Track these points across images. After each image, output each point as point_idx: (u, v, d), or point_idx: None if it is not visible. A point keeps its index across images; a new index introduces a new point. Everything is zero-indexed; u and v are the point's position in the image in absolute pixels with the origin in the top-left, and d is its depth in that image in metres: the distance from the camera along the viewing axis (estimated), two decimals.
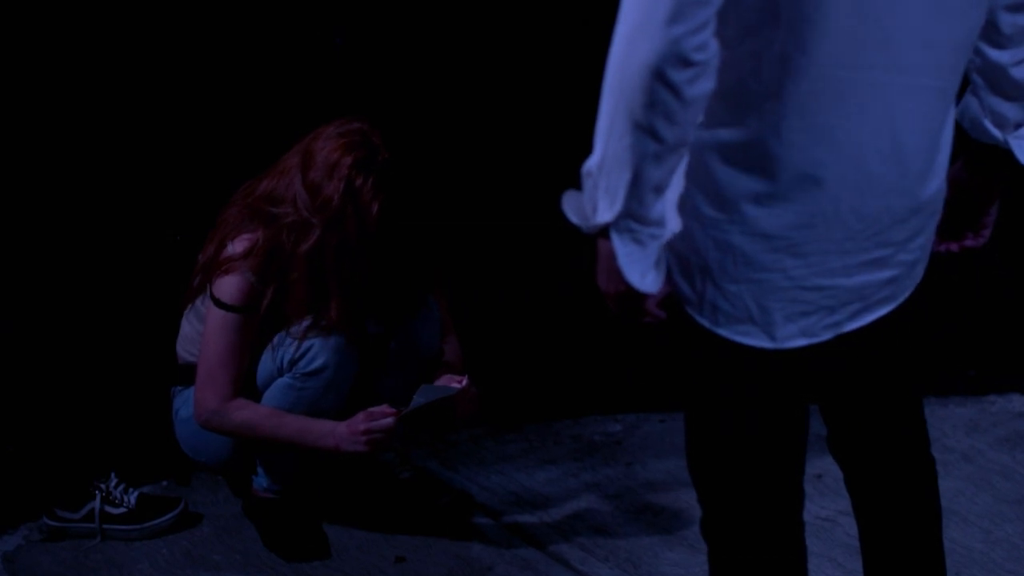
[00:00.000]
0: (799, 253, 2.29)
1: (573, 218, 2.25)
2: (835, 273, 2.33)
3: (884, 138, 2.27)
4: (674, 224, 2.26)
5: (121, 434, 3.93)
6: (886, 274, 2.39)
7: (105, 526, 3.71)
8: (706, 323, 2.33)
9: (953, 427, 4.20)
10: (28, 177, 3.92)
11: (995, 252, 4.41)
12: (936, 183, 2.38)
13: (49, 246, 3.95)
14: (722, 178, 2.26)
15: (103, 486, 3.73)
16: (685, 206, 2.27)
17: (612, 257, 2.22)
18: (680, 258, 2.30)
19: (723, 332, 2.33)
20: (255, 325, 3.53)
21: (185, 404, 3.66)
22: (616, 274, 2.23)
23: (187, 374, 3.66)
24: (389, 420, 3.47)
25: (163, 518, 3.73)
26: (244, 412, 3.53)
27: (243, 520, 3.76)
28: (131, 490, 3.74)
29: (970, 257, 4.27)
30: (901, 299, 2.45)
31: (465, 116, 4.29)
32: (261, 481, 3.68)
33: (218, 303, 3.50)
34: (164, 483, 3.95)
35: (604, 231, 2.22)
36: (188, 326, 3.68)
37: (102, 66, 3.93)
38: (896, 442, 2.70)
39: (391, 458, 3.86)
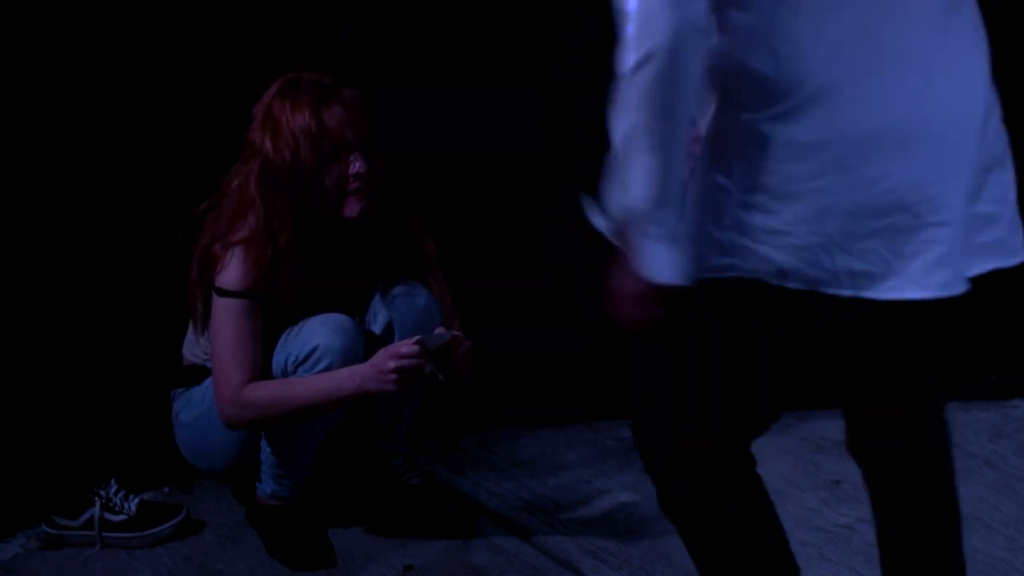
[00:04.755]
0: None
1: (598, 221, 2.26)
2: None
3: None
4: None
5: (122, 439, 3.90)
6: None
7: (105, 534, 3.67)
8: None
9: (975, 432, 4.16)
10: (28, 179, 3.89)
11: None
12: None
13: (49, 249, 3.92)
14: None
15: (103, 493, 3.69)
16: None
17: (639, 253, 2.23)
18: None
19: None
20: (260, 310, 3.48)
21: (186, 407, 3.62)
22: (640, 272, 2.24)
23: (189, 375, 3.61)
24: (415, 352, 3.37)
25: (164, 525, 3.69)
26: (259, 392, 3.45)
27: (246, 528, 3.71)
28: (131, 497, 3.71)
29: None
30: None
31: (473, 110, 4.25)
32: (265, 488, 3.63)
33: (220, 292, 3.46)
34: (166, 490, 3.92)
35: (629, 228, 2.21)
36: (192, 331, 3.64)
37: (105, 64, 3.89)
38: (918, 444, 2.63)
39: (399, 464, 3.81)
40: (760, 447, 3.94)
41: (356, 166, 3.47)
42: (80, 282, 3.93)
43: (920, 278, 2.29)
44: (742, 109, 2.27)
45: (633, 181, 2.23)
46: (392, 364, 3.38)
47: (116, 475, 3.74)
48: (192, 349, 3.65)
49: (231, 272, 3.46)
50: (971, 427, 4.18)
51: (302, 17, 4.07)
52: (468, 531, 3.72)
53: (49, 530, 3.68)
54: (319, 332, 3.47)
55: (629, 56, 2.19)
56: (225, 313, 3.46)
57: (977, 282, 4.29)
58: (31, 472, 3.81)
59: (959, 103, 2.31)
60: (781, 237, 2.25)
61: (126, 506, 3.68)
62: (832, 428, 4.18)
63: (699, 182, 2.32)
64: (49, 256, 3.92)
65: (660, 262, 2.25)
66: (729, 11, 2.23)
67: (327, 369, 3.45)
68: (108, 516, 3.67)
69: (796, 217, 2.25)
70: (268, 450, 3.57)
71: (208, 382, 3.58)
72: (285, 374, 3.49)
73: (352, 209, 3.51)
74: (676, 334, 2.40)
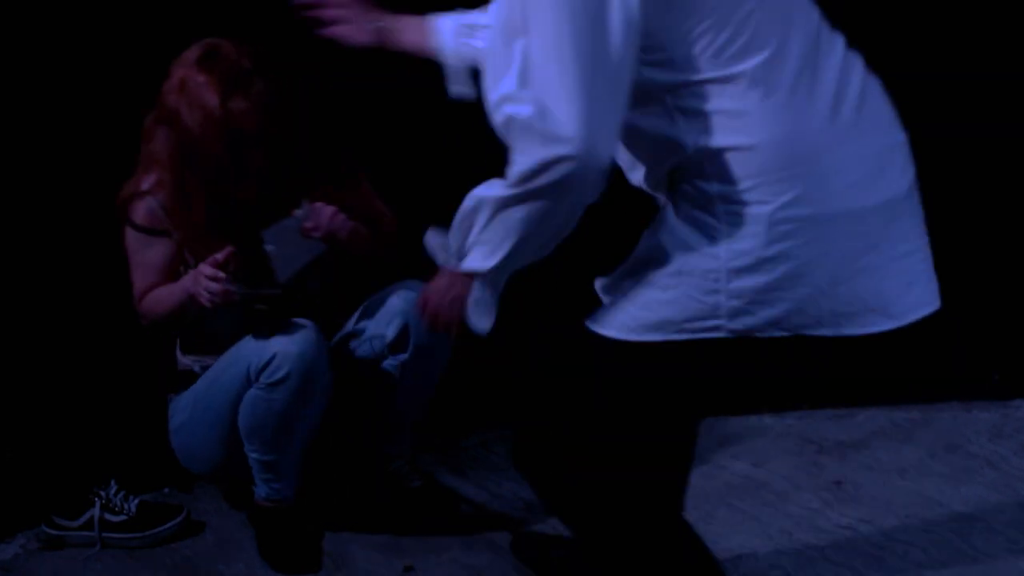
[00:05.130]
0: None
1: (438, 255, 2.49)
2: None
3: None
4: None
5: (122, 440, 3.88)
6: None
7: (104, 534, 3.65)
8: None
9: (976, 433, 4.14)
10: (27, 181, 3.88)
11: (1018, 254, 4.36)
12: None
13: (48, 252, 3.91)
14: None
15: (103, 493, 3.68)
16: None
17: (464, 296, 2.46)
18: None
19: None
20: (167, 250, 3.55)
21: (176, 412, 3.61)
22: (459, 309, 2.49)
23: (183, 380, 3.60)
24: (215, 268, 3.39)
25: (164, 526, 3.67)
26: (148, 300, 3.56)
27: (247, 529, 3.70)
28: (131, 497, 3.69)
29: (994, 260, 4.21)
30: None
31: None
32: (259, 491, 3.62)
33: (133, 225, 3.55)
34: (166, 490, 3.90)
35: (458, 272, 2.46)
36: (185, 331, 3.64)
37: (100, 63, 3.88)
38: None
39: (401, 466, 3.80)
40: (762, 448, 3.95)
41: (258, 160, 3.48)
42: (80, 283, 3.92)
43: (892, 309, 2.46)
44: (722, 185, 2.39)
45: (484, 246, 2.42)
46: (207, 271, 3.39)
47: (116, 476, 3.73)
48: (184, 354, 3.65)
49: (141, 209, 3.52)
50: (972, 427, 4.17)
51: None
52: (469, 532, 3.71)
53: (49, 531, 3.66)
54: (277, 339, 3.45)
55: (531, 155, 2.30)
56: (135, 241, 3.55)
57: (979, 283, 4.28)
58: (31, 472, 3.79)
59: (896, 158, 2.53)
60: (772, 294, 2.39)
61: (126, 507, 3.67)
62: (834, 429, 4.17)
63: (669, 251, 2.44)
64: (49, 258, 3.90)
65: (481, 314, 2.49)
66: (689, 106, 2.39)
67: (285, 377, 3.42)
68: (108, 517, 3.66)
69: (786, 275, 2.38)
70: (253, 455, 3.56)
71: (194, 387, 3.58)
72: (249, 382, 3.47)
73: (255, 195, 3.53)
74: (640, 387, 2.51)
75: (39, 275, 3.91)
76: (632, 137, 2.43)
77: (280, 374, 3.43)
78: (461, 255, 2.45)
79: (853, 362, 2.49)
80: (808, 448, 4.07)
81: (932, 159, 4.26)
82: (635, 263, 2.51)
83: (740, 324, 2.41)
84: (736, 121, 2.36)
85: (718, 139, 2.36)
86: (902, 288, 2.46)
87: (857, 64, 2.50)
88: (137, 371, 3.91)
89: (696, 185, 2.40)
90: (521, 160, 2.31)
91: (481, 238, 2.41)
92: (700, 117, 2.36)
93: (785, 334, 2.41)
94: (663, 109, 2.39)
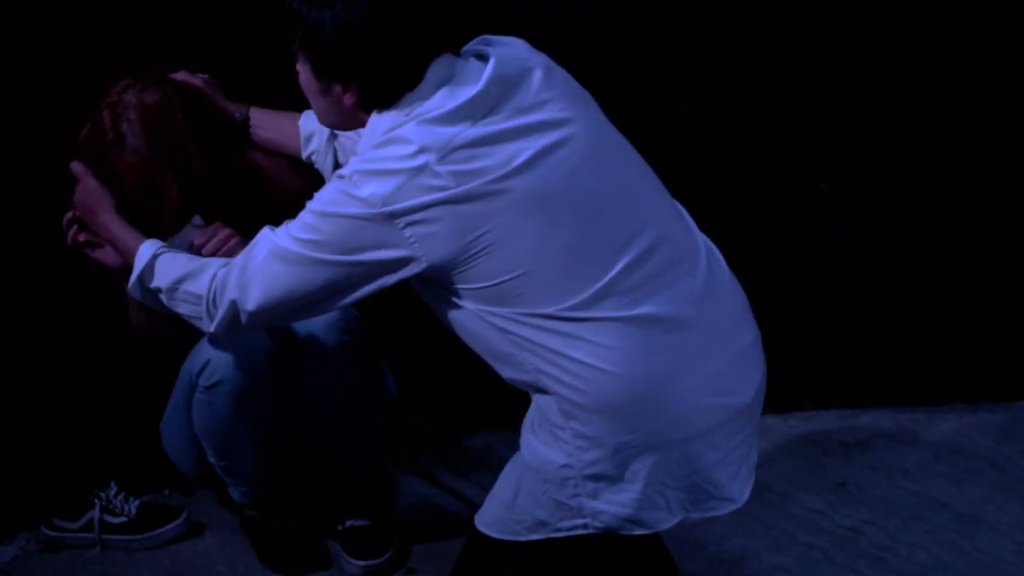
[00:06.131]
0: None
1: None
2: None
3: None
4: None
5: (122, 441, 3.87)
6: None
7: (104, 536, 3.66)
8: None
9: (982, 434, 4.13)
10: (27, 179, 3.87)
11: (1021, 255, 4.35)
12: None
13: (48, 253, 3.89)
14: None
15: (103, 495, 3.68)
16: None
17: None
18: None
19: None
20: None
21: (167, 408, 3.57)
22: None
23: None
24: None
25: (164, 528, 3.67)
26: None
27: None
28: (131, 499, 3.69)
29: (1001, 261, 4.20)
30: None
31: None
32: (233, 493, 3.59)
33: None
34: (166, 492, 3.90)
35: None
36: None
37: (93, 63, 3.87)
38: None
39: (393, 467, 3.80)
40: (765, 449, 3.93)
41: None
42: (81, 284, 3.91)
43: (732, 494, 2.70)
44: (574, 408, 2.57)
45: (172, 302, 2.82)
46: None
47: (116, 477, 3.73)
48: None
49: None
50: (977, 428, 4.16)
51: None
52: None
53: (49, 532, 3.66)
54: (212, 344, 3.39)
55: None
56: None
57: (984, 283, 4.27)
58: (31, 473, 3.79)
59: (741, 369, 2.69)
60: (624, 495, 2.60)
61: (126, 508, 3.67)
62: (837, 430, 4.17)
63: (529, 458, 2.66)
64: (49, 259, 3.90)
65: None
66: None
67: (219, 381, 3.36)
68: (108, 518, 3.65)
69: (635, 475, 2.59)
70: (211, 459, 3.52)
71: (175, 388, 3.54)
72: (193, 385, 3.42)
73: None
74: None
75: (39, 275, 3.90)
76: (498, 337, 2.59)
77: (215, 378, 3.37)
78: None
79: None
80: (812, 449, 4.06)
81: (934, 160, 4.27)
82: (511, 468, 2.73)
83: (602, 523, 2.62)
84: (598, 351, 2.52)
85: (576, 375, 2.54)
86: (733, 474, 2.68)
87: (716, 265, 2.69)
88: (137, 371, 3.90)
89: (549, 403, 2.59)
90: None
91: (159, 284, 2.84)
92: (552, 350, 2.55)
93: (646, 531, 2.63)
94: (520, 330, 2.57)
